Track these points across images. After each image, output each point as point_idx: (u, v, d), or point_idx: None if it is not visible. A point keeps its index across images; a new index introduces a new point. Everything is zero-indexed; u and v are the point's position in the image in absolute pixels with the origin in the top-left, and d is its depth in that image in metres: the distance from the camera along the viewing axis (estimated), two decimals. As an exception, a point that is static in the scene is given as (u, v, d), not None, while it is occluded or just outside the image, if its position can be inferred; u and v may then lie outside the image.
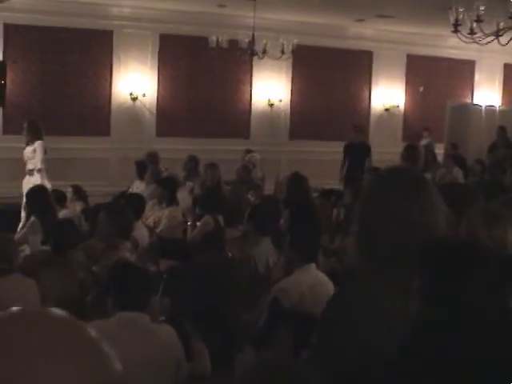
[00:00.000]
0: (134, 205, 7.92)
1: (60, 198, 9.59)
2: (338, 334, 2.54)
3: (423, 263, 2.48)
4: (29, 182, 10.69)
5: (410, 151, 8.74)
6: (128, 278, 4.29)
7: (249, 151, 13.59)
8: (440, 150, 16.48)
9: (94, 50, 15.64)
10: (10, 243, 5.99)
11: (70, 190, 10.18)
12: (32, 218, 8.03)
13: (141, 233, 7.83)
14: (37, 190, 8.57)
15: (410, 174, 2.79)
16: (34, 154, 11.14)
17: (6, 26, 14.82)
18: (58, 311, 1.16)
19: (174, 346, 4.21)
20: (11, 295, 5.27)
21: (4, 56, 14.65)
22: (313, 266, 5.85)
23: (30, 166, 11.20)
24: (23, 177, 11.32)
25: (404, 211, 2.52)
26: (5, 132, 14.81)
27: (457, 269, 2.48)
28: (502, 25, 8.80)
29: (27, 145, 11.25)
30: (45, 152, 11.16)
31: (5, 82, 13.58)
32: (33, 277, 5.56)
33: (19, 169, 11.60)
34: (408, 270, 2.41)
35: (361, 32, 17.64)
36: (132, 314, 4.15)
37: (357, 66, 18.33)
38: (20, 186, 11.06)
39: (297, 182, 9.36)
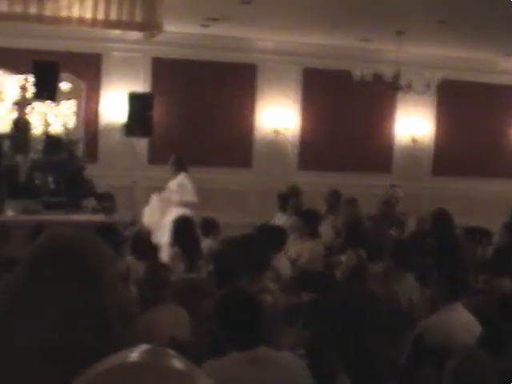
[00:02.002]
0: (274, 237, 7.93)
1: (208, 227, 9.60)
2: None
3: None
4: (171, 213, 10.81)
5: None
6: (237, 316, 4.14)
7: (393, 186, 13.44)
8: None
9: (238, 83, 15.88)
10: (165, 272, 6.05)
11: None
12: (175, 248, 8.13)
13: (283, 264, 7.82)
14: (181, 221, 8.64)
15: None
16: (177, 187, 11.36)
17: (155, 60, 15.29)
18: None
19: (300, 374, 4.09)
20: (165, 324, 5.35)
21: (152, 88, 15.08)
22: (459, 304, 5.68)
23: (173, 198, 11.37)
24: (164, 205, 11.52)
25: None
26: (150, 162, 15.19)
27: None
28: None
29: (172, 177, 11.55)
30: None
31: (152, 114, 13.93)
32: (182, 305, 5.63)
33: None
34: None
35: (510, 67, 17.16)
36: (252, 351, 4.04)
37: (505, 102, 17.82)
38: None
39: (441, 217, 9.17)
